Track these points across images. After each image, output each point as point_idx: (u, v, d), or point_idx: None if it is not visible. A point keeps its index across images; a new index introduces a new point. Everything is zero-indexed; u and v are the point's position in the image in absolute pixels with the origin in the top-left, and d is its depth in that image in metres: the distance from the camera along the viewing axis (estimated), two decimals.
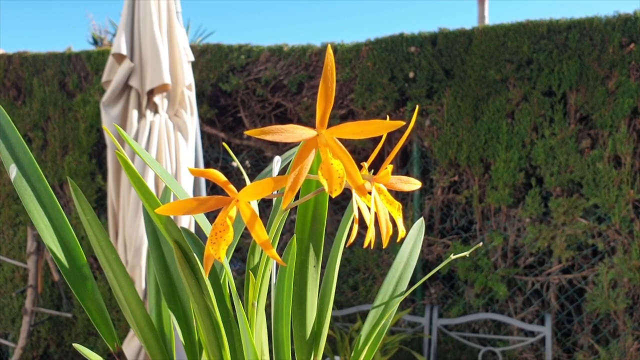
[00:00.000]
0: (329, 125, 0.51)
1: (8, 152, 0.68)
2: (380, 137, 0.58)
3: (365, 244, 0.58)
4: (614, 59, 2.70)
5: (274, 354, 0.73)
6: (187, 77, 2.50)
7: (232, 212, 0.57)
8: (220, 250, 0.57)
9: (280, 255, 0.69)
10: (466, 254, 0.76)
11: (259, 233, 0.57)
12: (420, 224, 0.83)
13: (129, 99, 2.42)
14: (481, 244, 0.89)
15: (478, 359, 2.83)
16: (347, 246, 0.71)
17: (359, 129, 0.53)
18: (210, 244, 0.57)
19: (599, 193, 2.71)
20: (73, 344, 0.71)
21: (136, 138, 2.38)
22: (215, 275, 0.68)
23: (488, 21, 6.10)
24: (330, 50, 0.51)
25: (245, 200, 0.57)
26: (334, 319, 3.08)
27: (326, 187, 0.53)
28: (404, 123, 0.50)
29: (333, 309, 2.21)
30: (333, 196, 0.54)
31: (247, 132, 0.48)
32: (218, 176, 0.56)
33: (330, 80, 0.52)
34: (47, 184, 0.71)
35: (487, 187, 2.94)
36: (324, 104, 0.53)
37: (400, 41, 3.05)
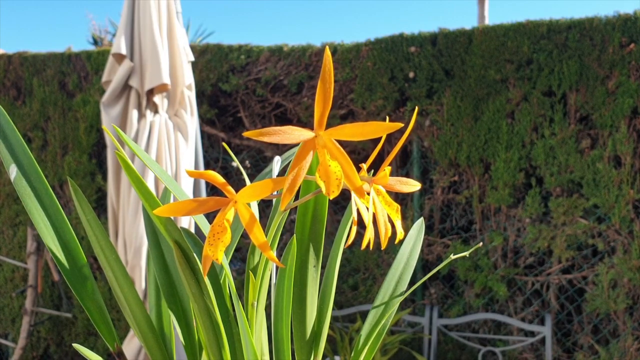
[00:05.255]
0: (329, 124, 0.51)
1: (8, 152, 0.69)
2: (380, 137, 0.58)
3: (364, 246, 0.58)
4: (614, 59, 2.70)
5: (274, 354, 0.73)
6: (187, 77, 2.50)
7: (230, 214, 0.57)
8: (217, 252, 0.57)
9: (280, 256, 0.70)
10: (466, 254, 0.76)
11: (257, 235, 0.57)
12: (420, 224, 0.83)
13: (128, 99, 2.43)
14: (481, 244, 0.89)
15: (478, 359, 2.83)
16: (346, 246, 0.71)
17: (357, 131, 0.53)
18: (208, 246, 0.57)
19: (599, 193, 2.71)
20: (73, 344, 0.72)
21: (136, 138, 2.38)
22: (215, 275, 0.68)
23: (488, 21, 6.11)
24: (328, 52, 0.51)
25: (244, 202, 0.57)
26: (334, 319, 3.08)
27: (323, 189, 0.53)
28: (402, 125, 0.50)
29: (333, 309, 2.21)
30: (331, 198, 0.54)
31: (245, 134, 0.48)
32: (216, 178, 0.56)
33: (328, 82, 0.52)
34: (47, 184, 0.71)
35: (487, 187, 2.94)
36: (322, 106, 0.53)
37: (400, 41, 3.05)
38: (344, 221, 0.79)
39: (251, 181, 0.60)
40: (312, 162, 0.60)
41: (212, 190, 3.03)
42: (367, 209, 0.59)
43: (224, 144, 3.10)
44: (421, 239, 0.82)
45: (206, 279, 0.63)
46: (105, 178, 3.42)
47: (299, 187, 0.58)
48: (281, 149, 3.21)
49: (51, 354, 3.61)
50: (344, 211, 2.65)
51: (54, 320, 3.56)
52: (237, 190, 0.57)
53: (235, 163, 2.00)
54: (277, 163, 0.79)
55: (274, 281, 0.73)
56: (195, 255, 0.63)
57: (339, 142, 0.55)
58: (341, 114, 3.22)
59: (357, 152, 3.16)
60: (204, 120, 3.40)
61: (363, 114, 3.13)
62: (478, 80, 2.91)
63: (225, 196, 0.58)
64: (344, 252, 1.70)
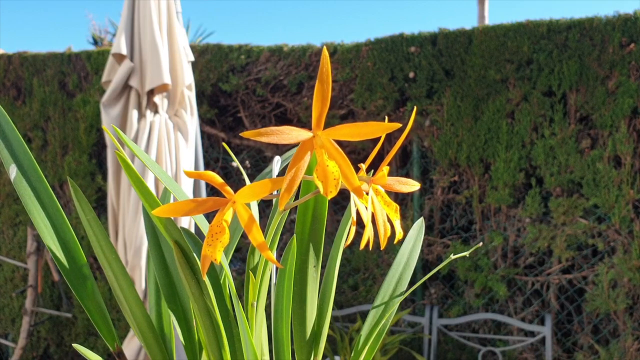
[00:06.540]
0: (330, 124, 0.51)
1: (8, 152, 0.69)
2: (379, 137, 0.58)
3: (362, 246, 0.58)
4: (614, 59, 2.70)
5: (274, 354, 0.73)
6: (187, 77, 2.50)
7: (228, 215, 0.57)
8: (216, 252, 0.57)
9: (280, 256, 0.70)
10: (466, 254, 0.76)
11: (256, 235, 0.57)
12: (420, 224, 0.83)
13: (128, 99, 2.43)
14: (481, 244, 0.89)
15: (478, 359, 2.83)
16: (345, 246, 0.71)
17: (356, 131, 0.53)
18: (206, 246, 0.57)
19: (599, 193, 2.71)
20: (73, 344, 0.72)
21: (136, 138, 2.38)
22: (215, 275, 0.68)
23: (488, 21, 6.10)
24: (325, 52, 0.51)
25: (242, 202, 0.57)
26: (334, 319, 3.08)
27: (321, 189, 0.53)
28: (400, 125, 0.50)
29: (333, 309, 2.21)
30: (329, 198, 0.54)
31: (243, 134, 0.48)
32: (214, 178, 0.56)
33: (326, 82, 0.52)
34: (47, 184, 0.71)
35: (487, 187, 2.94)
36: (320, 106, 0.53)
37: (400, 41, 3.05)
38: (344, 221, 0.79)
39: (251, 181, 0.60)
40: (311, 162, 0.60)
41: (213, 190, 3.03)
42: (367, 208, 0.59)
43: (224, 144, 3.10)
44: (421, 239, 0.82)
45: (206, 279, 0.63)
46: (105, 178, 3.42)
47: (299, 187, 0.58)
48: (281, 149, 3.21)
49: (51, 354, 3.61)
50: (344, 211, 2.65)
51: (54, 320, 3.56)
52: (236, 191, 0.57)
53: (235, 163, 2.00)
54: (277, 163, 0.79)
55: (274, 281, 0.73)
56: (195, 255, 0.63)
57: (338, 142, 0.55)
58: (341, 114, 3.22)
59: (357, 152, 3.16)
60: (204, 120, 3.40)
61: (363, 114, 3.13)
62: (478, 80, 2.91)
63: (224, 196, 0.58)
64: (344, 252, 1.71)
